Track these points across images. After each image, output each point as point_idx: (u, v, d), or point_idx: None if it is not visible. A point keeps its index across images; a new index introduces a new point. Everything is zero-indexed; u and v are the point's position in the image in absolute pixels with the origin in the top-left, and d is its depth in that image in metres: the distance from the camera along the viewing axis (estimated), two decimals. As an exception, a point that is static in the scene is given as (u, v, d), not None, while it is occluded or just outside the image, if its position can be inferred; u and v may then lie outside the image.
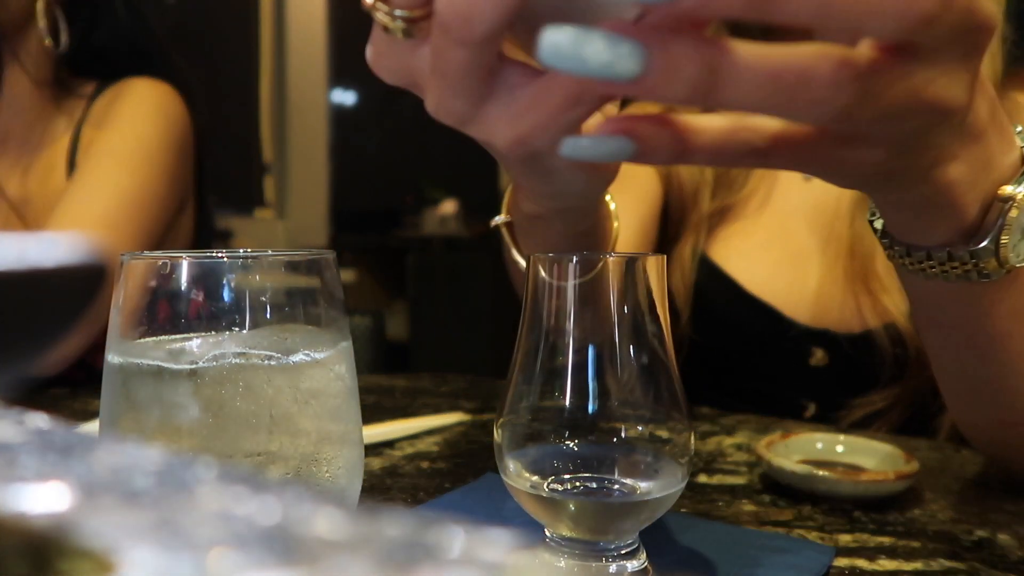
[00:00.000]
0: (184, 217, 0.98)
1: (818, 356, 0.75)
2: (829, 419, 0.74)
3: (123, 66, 0.95)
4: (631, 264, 0.36)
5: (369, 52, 0.34)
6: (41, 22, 0.86)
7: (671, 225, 0.84)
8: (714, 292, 0.78)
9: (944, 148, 0.34)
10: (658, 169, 0.83)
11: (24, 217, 0.90)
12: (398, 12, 0.30)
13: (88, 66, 0.95)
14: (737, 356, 0.80)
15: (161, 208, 0.89)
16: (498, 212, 0.54)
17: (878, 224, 0.43)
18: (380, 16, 0.31)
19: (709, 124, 0.30)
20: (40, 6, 0.85)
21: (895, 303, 0.70)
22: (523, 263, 0.52)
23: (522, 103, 0.31)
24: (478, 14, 0.27)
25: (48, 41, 0.87)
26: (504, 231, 0.53)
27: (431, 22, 0.30)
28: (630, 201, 0.79)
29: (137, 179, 0.86)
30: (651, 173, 0.83)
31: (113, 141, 0.88)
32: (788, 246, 0.79)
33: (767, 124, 0.31)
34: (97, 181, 0.85)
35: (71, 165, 0.91)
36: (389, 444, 0.60)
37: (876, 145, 0.31)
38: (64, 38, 0.88)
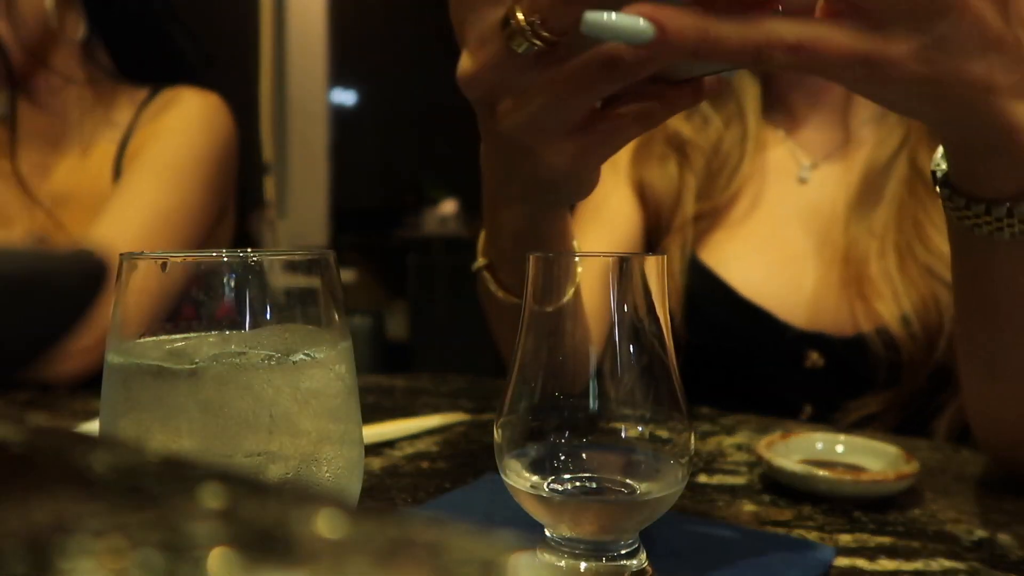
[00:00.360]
0: (223, 226, 0.98)
1: (813, 359, 0.75)
2: (826, 421, 0.74)
3: (162, 67, 0.96)
4: (631, 264, 0.36)
5: (470, 66, 0.37)
6: (49, 9, 0.86)
7: (652, 234, 0.84)
8: (708, 296, 0.78)
9: (993, 72, 0.33)
10: (632, 187, 0.83)
11: (64, 215, 0.91)
12: (534, 29, 0.34)
13: (129, 64, 0.96)
14: (733, 359, 0.79)
15: (199, 222, 0.90)
16: None
17: (940, 172, 0.43)
18: (519, 33, 0.34)
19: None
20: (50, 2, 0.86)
21: (888, 308, 0.71)
22: (507, 298, 0.54)
23: (611, 124, 0.38)
24: (656, 56, 0.32)
25: (73, 36, 0.88)
26: (486, 273, 0.55)
27: (560, 45, 0.34)
28: (607, 235, 0.80)
29: (177, 196, 0.87)
30: (625, 198, 0.83)
31: (158, 154, 0.89)
32: (783, 250, 0.79)
33: (794, 20, 0.32)
34: (138, 196, 0.86)
35: (117, 171, 0.92)
36: (389, 444, 0.60)
37: (895, 36, 0.31)
38: (82, 31, 0.89)
